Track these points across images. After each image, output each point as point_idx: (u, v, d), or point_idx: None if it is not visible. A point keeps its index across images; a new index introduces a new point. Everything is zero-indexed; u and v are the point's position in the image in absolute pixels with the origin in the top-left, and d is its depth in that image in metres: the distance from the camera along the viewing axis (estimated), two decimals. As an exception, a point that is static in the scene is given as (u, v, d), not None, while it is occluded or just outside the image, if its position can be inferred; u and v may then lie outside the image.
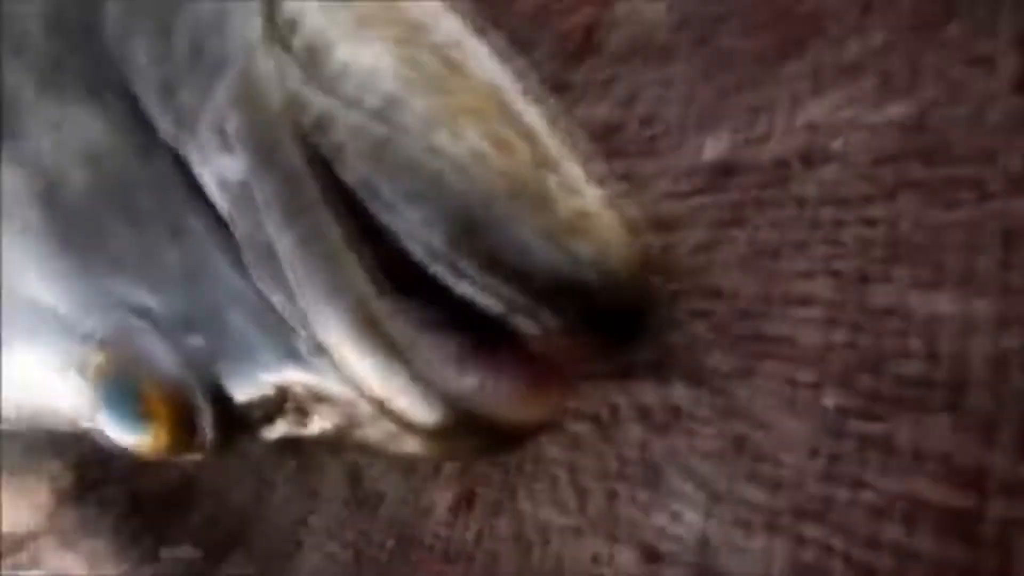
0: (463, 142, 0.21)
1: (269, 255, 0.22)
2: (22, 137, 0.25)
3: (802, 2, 0.25)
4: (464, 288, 0.21)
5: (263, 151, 0.22)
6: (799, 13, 0.25)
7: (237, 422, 0.25)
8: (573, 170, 0.23)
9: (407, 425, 0.22)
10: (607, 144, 0.28)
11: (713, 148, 0.26)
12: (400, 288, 0.22)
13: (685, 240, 0.25)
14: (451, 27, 0.25)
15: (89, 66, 0.25)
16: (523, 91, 0.26)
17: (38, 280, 0.27)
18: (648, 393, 0.24)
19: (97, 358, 0.25)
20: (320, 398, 0.24)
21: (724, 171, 0.25)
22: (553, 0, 0.32)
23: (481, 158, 0.21)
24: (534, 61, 0.30)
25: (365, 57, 0.22)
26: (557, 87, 0.30)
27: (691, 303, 0.25)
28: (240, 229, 0.23)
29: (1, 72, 0.26)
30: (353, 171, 0.22)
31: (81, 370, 0.26)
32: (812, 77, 0.25)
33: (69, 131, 0.25)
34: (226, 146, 0.23)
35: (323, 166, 0.22)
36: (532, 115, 0.23)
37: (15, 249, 0.26)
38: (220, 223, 0.23)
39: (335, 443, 0.24)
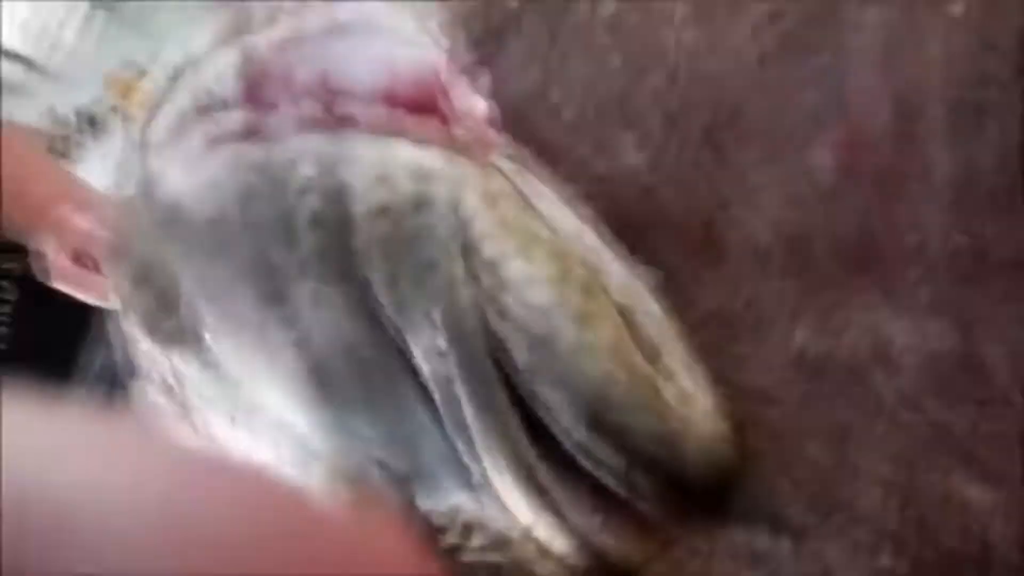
0: (603, 336, 0.29)
1: (457, 411, 0.31)
2: (287, 303, 0.34)
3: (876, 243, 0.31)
4: (592, 452, 0.29)
5: (457, 337, 0.30)
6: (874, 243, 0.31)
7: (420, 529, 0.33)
8: (680, 359, 0.30)
9: (545, 551, 0.30)
10: (712, 327, 0.35)
11: (801, 337, 0.32)
12: (546, 444, 0.30)
13: (775, 413, 0.32)
14: (592, 240, 0.33)
15: (338, 256, 0.33)
16: (642, 285, 0.33)
17: (281, 404, 0.36)
18: (738, 535, 0.31)
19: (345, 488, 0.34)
20: (482, 521, 0.32)
21: (809, 358, 0.32)
22: (676, 199, 0.39)
23: (610, 354, 0.29)
24: (653, 252, 0.38)
25: (531, 269, 0.30)
26: (670, 274, 0.37)
27: (777, 464, 0.31)
28: (437, 390, 0.31)
29: (270, 253, 0.35)
30: (519, 357, 0.30)
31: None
32: (881, 291, 0.31)
33: (323, 303, 0.33)
34: (432, 328, 0.31)
35: (498, 351, 0.30)
36: (651, 313, 0.31)
37: (272, 382, 0.36)
38: (421, 383, 0.32)
39: (487, 564, 0.32)
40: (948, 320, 0.29)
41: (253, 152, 0.38)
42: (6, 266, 0.96)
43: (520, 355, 0.29)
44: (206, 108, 0.42)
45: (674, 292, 0.36)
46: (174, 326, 0.41)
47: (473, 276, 0.31)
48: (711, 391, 0.32)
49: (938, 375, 0.29)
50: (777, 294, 0.33)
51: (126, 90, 2.40)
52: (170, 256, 0.41)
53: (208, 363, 0.39)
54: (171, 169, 0.43)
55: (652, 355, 0.31)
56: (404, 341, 0.32)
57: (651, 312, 0.32)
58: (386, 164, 0.35)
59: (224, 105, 0.42)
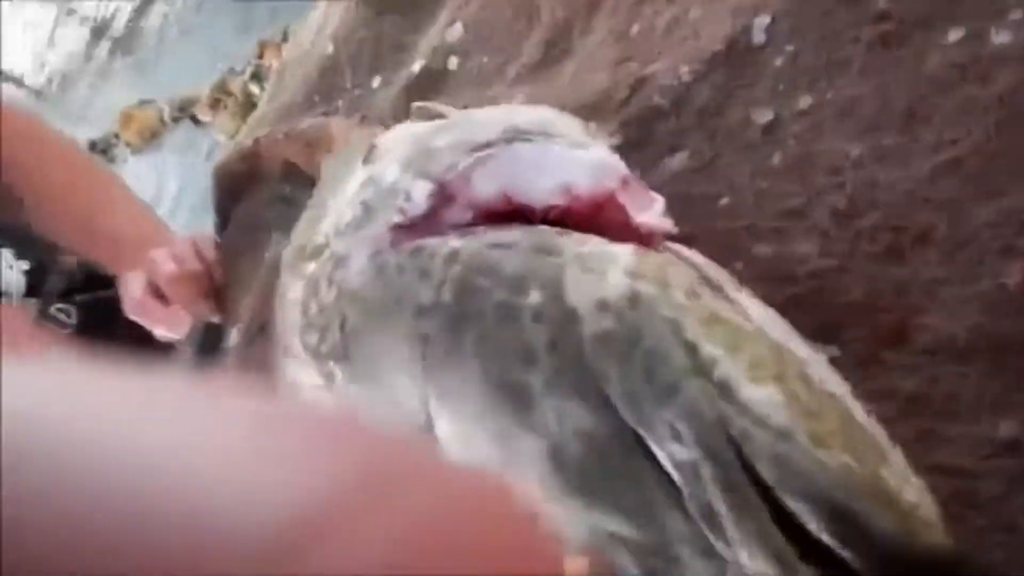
0: (834, 456, 0.34)
1: (711, 512, 0.35)
2: (534, 413, 0.38)
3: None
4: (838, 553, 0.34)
5: (708, 448, 0.35)
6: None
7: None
8: (896, 457, 0.35)
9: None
10: (912, 413, 0.41)
11: (1006, 428, 0.38)
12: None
13: (983, 488, 0.38)
14: (803, 353, 0.38)
15: (578, 375, 0.38)
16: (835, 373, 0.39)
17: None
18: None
19: (580, 559, 0.38)
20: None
21: (1015, 444, 0.38)
22: (854, 287, 0.45)
23: (847, 468, 0.34)
24: (833, 337, 0.43)
25: (763, 393, 0.35)
26: (860, 361, 0.43)
27: (991, 537, 0.37)
28: (689, 493, 0.35)
29: (513, 373, 0.39)
30: (765, 470, 0.34)
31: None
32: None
33: (566, 415, 0.38)
34: (677, 438, 0.35)
35: (745, 461, 0.35)
36: (861, 414, 0.36)
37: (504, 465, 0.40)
38: (671, 485, 0.36)
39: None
40: None
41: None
42: (76, 295, 0.99)
43: (766, 467, 0.34)
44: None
45: (856, 377, 0.42)
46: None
47: (701, 374, 0.35)
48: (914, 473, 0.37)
49: None
50: (977, 388, 0.39)
51: (127, 120, 2.42)
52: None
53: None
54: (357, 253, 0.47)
55: (866, 443, 0.36)
56: (646, 448, 0.36)
57: (850, 399, 0.37)
58: (594, 262, 0.39)
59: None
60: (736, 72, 0.56)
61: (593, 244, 0.41)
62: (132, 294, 0.80)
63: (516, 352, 0.38)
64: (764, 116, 0.53)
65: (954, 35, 0.47)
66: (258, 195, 0.93)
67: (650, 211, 0.45)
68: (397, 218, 0.47)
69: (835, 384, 0.37)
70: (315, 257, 0.52)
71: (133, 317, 0.82)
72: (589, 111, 0.64)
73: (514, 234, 0.43)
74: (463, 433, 0.41)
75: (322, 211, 0.56)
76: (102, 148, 2.45)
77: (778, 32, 0.54)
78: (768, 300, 0.46)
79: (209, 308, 0.80)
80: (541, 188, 0.46)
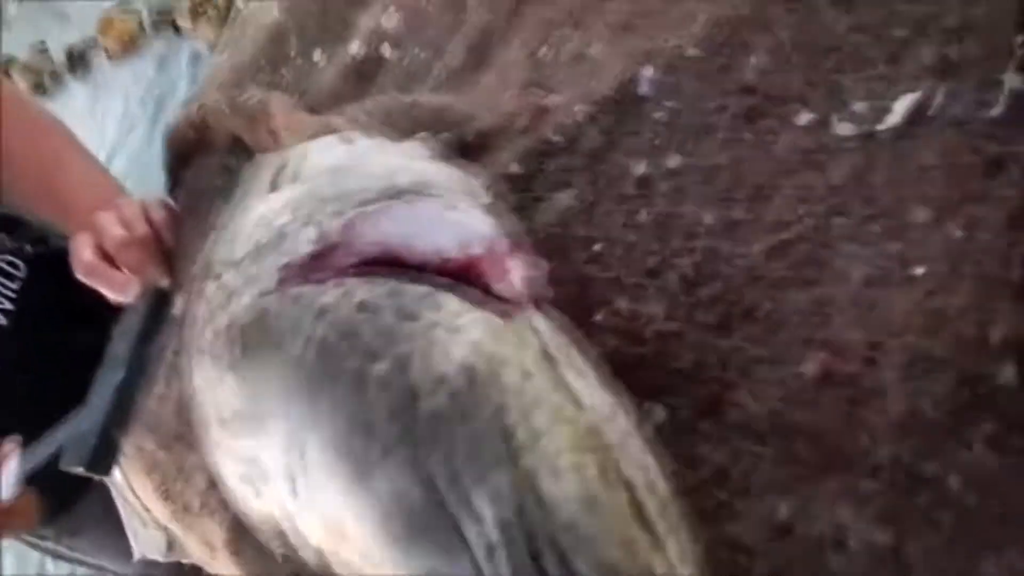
0: (609, 551, 0.38)
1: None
2: (372, 479, 0.42)
3: None
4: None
5: (505, 534, 0.38)
6: None
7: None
8: (676, 541, 0.40)
9: None
10: (711, 485, 0.46)
11: (784, 512, 0.43)
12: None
13: (757, 569, 0.43)
14: (623, 425, 0.43)
15: (410, 449, 0.40)
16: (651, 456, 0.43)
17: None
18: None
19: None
20: None
21: (788, 531, 0.43)
22: (689, 356, 0.49)
23: (616, 565, 0.38)
24: (666, 395, 0.48)
25: (559, 488, 0.39)
26: (678, 423, 0.48)
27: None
28: (490, 573, 0.40)
29: (355, 440, 0.44)
30: (548, 562, 0.39)
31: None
32: (845, 488, 0.42)
33: (397, 485, 0.41)
34: (482, 521, 0.39)
35: (534, 550, 0.39)
36: (660, 494, 0.41)
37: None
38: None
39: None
40: (887, 522, 0.40)
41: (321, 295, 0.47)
42: (23, 245, 1.00)
43: (548, 561, 0.38)
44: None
45: (677, 442, 0.47)
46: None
47: (511, 462, 0.39)
48: (695, 553, 0.42)
49: (877, 567, 0.40)
50: (770, 472, 0.44)
51: (107, 26, 2.40)
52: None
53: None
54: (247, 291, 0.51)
55: (650, 529, 0.40)
56: (458, 509, 0.40)
57: (656, 484, 0.42)
58: (443, 333, 0.43)
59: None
60: (622, 119, 0.59)
61: (451, 308, 0.46)
62: (81, 256, 0.81)
63: (360, 420, 0.43)
64: (639, 168, 0.57)
65: (804, 118, 0.51)
66: (206, 163, 0.96)
67: (508, 279, 0.49)
68: (284, 259, 0.51)
69: (638, 467, 0.42)
70: (215, 280, 0.57)
71: (82, 279, 0.83)
72: (496, 133, 0.67)
73: (383, 291, 0.47)
74: (318, 485, 0.46)
75: (227, 231, 0.60)
76: (80, 53, 2.43)
77: (661, 86, 0.57)
78: (615, 356, 0.51)
79: (159, 273, 0.81)
80: (416, 247, 0.50)
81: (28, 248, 0.98)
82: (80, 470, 0.61)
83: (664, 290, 0.53)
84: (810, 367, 0.45)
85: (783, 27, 0.52)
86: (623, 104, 0.59)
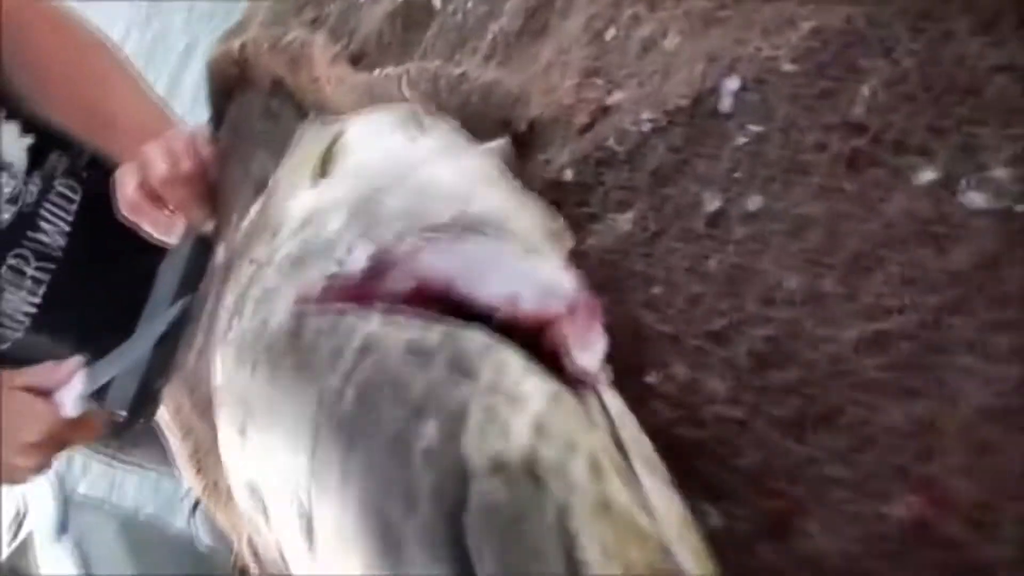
0: None
1: None
2: (401, 558, 0.36)
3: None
4: None
5: None
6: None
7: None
8: None
9: None
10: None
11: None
12: None
13: None
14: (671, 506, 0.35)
15: (452, 536, 0.34)
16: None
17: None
18: None
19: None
20: None
21: None
22: (754, 455, 0.42)
23: None
24: (729, 497, 0.41)
25: None
26: (744, 550, 0.40)
27: None
28: None
29: (390, 511, 0.37)
30: None
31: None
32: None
33: (431, 571, 0.36)
34: None
35: None
36: None
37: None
38: None
39: None
40: None
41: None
42: (79, 168, 0.98)
43: None
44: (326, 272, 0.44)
45: (731, 558, 0.39)
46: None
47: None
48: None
49: None
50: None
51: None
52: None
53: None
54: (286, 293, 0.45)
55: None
56: None
57: None
58: (503, 400, 0.36)
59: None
60: (696, 137, 0.49)
61: (514, 370, 0.38)
62: (124, 192, 0.79)
63: (399, 490, 0.37)
64: (713, 202, 0.48)
65: (926, 176, 0.41)
66: (248, 101, 0.89)
67: (590, 352, 0.41)
68: (333, 268, 0.44)
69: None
70: (252, 266, 0.50)
71: (127, 215, 0.80)
72: (549, 127, 0.58)
73: (437, 335, 0.40)
74: (337, 540, 0.40)
75: (270, 213, 0.53)
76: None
77: (746, 104, 0.47)
78: (669, 434, 0.43)
79: (201, 214, 0.79)
80: (486, 291, 0.43)
81: (84, 172, 0.97)
82: (123, 415, 0.65)
83: (730, 363, 0.44)
84: (899, 510, 0.36)
85: (907, 53, 0.41)
86: (699, 119, 0.49)
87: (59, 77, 0.93)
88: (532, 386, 0.36)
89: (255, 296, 0.47)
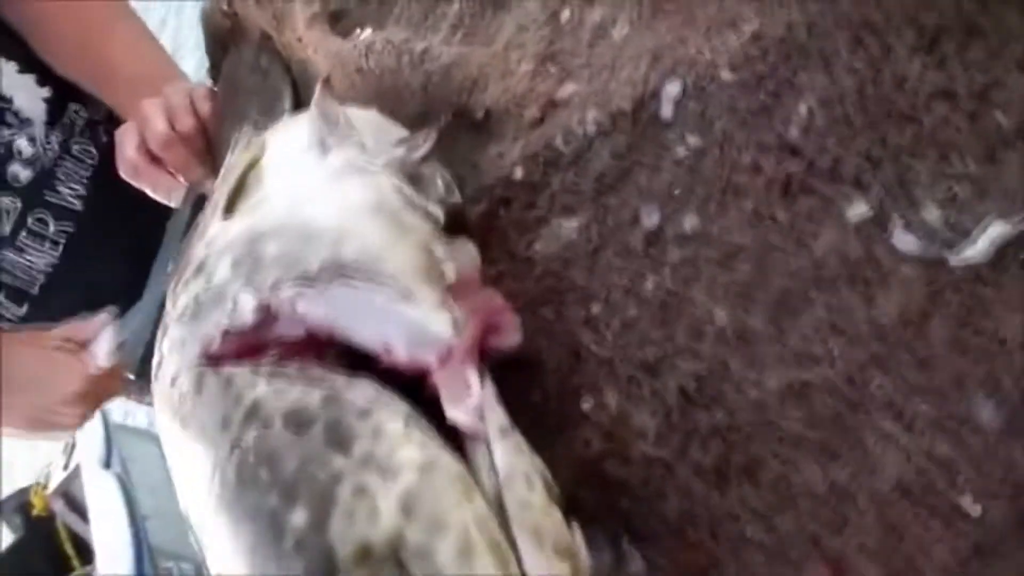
0: None
1: None
2: None
3: None
4: None
5: None
6: None
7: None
8: None
9: None
10: None
11: None
12: None
13: None
14: None
15: None
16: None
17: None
18: None
19: None
20: None
21: None
22: (678, 503, 0.40)
23: None
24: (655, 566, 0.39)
25: None
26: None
27: None
28: None
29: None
30: None
31: None
32: None
33: None
34: None
35: None
36: None
37: None
38: None
39: None
40: None
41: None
42: (97, 125, 0.97)
43: None
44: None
45: None
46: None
47: None
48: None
49: None
50: None
51: None
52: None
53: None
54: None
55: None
56: None
57: None
58: (374, 476, 0.35)
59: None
60: (638, 145, 0.46)
61: (391, 436, 0.37)
62: (124, 153, 0.78)
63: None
64: (652, 218, 0.45)
65: (858, 210, 0.37)
66: (240, 55, 0.88)
67: (462, 406, 0.40)
68: (225, 321, 0.44)
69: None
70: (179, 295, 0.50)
71: (125, 177, 0.80)
72: (504, 116, 0.55)
73: (317, 400, 0.39)
74: None
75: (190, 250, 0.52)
76: None
77: (686, 113, 0.44)
78: (596, 469, 0.42)
79: (201, 173, 0.78)
80: (362, 338, 0.42)
81: (102, 128, 0.95)
82: (131, 376, 0.66)
83: (660, 397, 0.42)
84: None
85: (846, 70, 0.37)
86: (640, 125, 0.46)
87: (53, 16, 0.90)
88: (406, 456, 0.35)
89: (166, 347, 0.46)
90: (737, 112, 0.41)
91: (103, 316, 0.72)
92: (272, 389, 0.39)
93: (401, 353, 0.41)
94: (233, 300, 0.43)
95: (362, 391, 0.39)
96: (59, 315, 0.87)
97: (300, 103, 0.77)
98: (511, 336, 0.46)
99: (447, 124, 0.56)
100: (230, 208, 0.51)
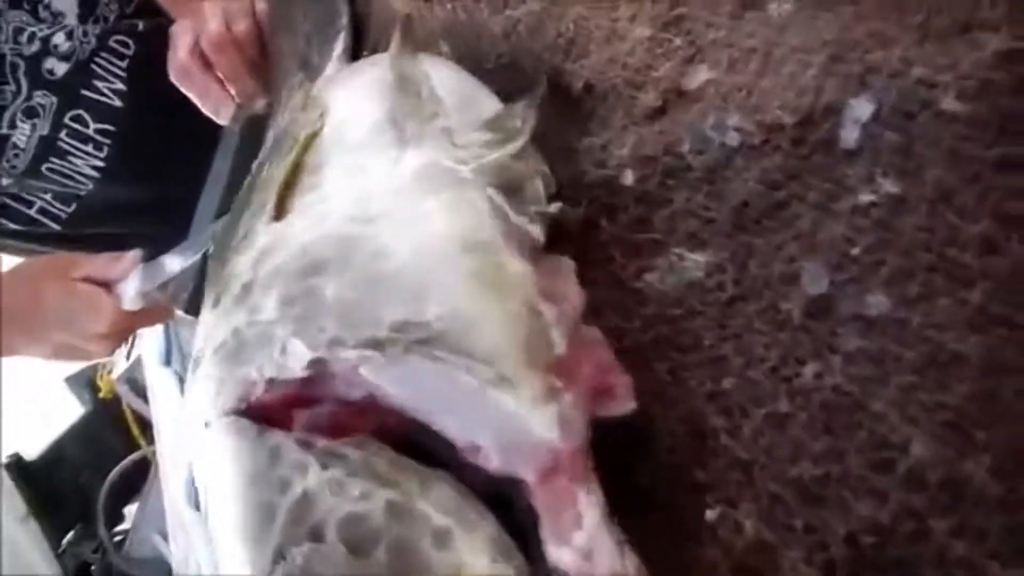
0: None
1: None
2: None
3: None
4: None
5: None
6: None
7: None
8: None
9: None
10: None
11: None
12: None
13: None
14: None
15: None
16: None
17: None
18: None
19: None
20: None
21: None
22: None
23: None
24: None
25: None
26: None
27: None
28: None
29: None
30: None
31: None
32: None
33: None
34: None
35: None
36: None
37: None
38: None
39: None
40: None
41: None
42: (135, 19, 0.91)
43: None
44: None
45: None
46: None
47: None
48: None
49: None
50: None
51: None
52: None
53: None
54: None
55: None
56: None
57: None
58: None
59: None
60: (800, 174, 0.34)
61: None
62: (176, 54, 0.73)
63: None
64: (817, 281, 0.33)
65: None
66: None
67: (568, 547, 0.30)
68: (270, 370, 0.34)
69: None
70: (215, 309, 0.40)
71: (175, 81, 0.75)
72: (608, 94, 0.43)
73: (381, 512, 0.30)
74: None
75: (239, 235, 0.42)
76: None
77: (880, 144, 0.31)
78: None
79: (252, 85, 0.72)
80: (442, 426, 0.33)
81: (140, 25, 0.90)
82: (181, 312, 0.64)
83: (819, 541, 0.32)
84: None
85: None
86: (806, 147, 0.33)
87: None
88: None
89: (200, 381, 0.37)
90: (962, 159, 0.28)
91: (130, 257, 0.67)
92: (327, 479, 0.30)
93: (492, 457, 0.31)
94: (282, 346, 0.33)
95: (439, 497, 0.30)
96: (104, 224, 0.90)
97: (357, 16, 0.66)
98: (623, 403, 0.36)
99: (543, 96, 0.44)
100: (280, 207, 0.40)
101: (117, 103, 0.90)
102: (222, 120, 0.76)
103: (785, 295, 0.34)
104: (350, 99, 0.44)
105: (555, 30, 0.46)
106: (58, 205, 0.92)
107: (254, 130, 0.67)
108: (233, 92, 0.73)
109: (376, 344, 0.32)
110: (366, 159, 0.39)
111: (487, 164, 0.37)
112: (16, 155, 0.85)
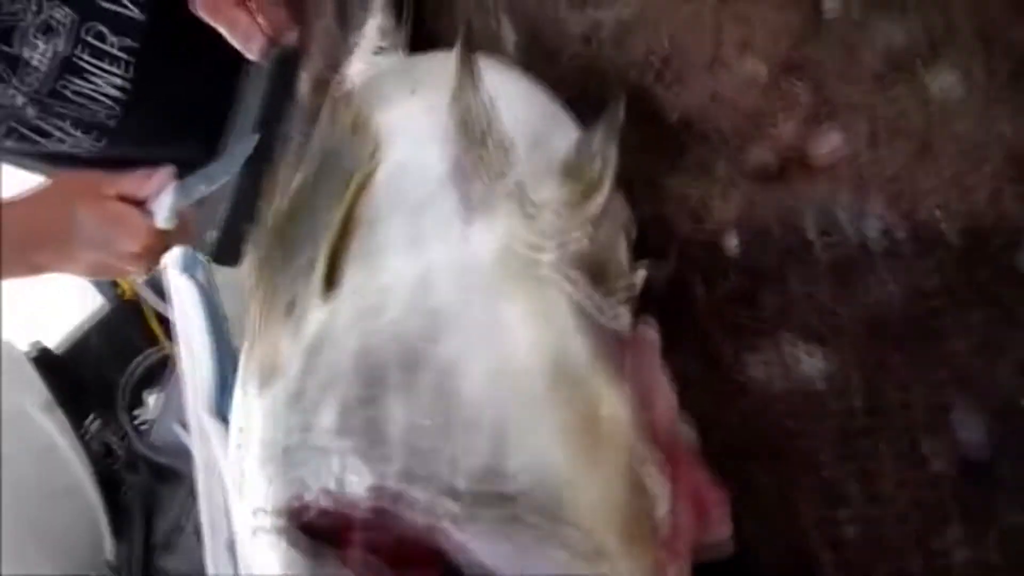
0: None
1: None
2: None
3: None
4: None
5: None
6: None
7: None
8: None
9: None
10: None
11: None
12: None
13: None
14: None
15: None
16: None
17: None
18: None
19: None
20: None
21: None
22: None
23: None
24: None
25: None
26: None
27: None
28: None
29: None
30: None
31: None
32: None
33: None
34: None
35: None
36: None
37: None
38: None
39: None
40: None
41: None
42: None
43: None
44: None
45: None
46: None
47: None
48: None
49: None
50: None
51: None
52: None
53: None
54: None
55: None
56: None
57: None
58: None
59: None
60: (961, 285, 0.28)
61: None
62: None
63: None
64: (973, 429, 0.28)
65: None
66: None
67: None
68: (328, 482, 0.30)
69: None
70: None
71: (201, 14, 0.69)
72: (710, 133, 0.37)
73: None
74: None
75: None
76: None
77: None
78: None
79: (283, 18, 0.67)
80: None
81: None
82: (208, 260, 0.63)
83: None
84: None
85: None
86: (974, 258, 0.27)
87: None
88: None
89: (251, 461, 0.33)
90: None
91: (164, 173, 0.65)
92: None
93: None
94: (342, 465, 0.29)
95: None
96: (138, 146, 0.84)
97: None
98: (721, 530, 0.31)
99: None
100: (331, 278, 0.34)
101: (137, 15, 0.84)
102: (251, 54, 0.70)
103: (926, 431, 0.28)
104: (407, 133, 0.37)
105: (645, 45, 0.39)
106: (79, 134, 0.87)
107: (285, 68, 0.66)
108: (262, 24, 0.68)
109: (453, 493, 0.27)
110: (427, 227, 0.33)
111: (570, 247, 0.31)
112: (34, 75, 0.80)
